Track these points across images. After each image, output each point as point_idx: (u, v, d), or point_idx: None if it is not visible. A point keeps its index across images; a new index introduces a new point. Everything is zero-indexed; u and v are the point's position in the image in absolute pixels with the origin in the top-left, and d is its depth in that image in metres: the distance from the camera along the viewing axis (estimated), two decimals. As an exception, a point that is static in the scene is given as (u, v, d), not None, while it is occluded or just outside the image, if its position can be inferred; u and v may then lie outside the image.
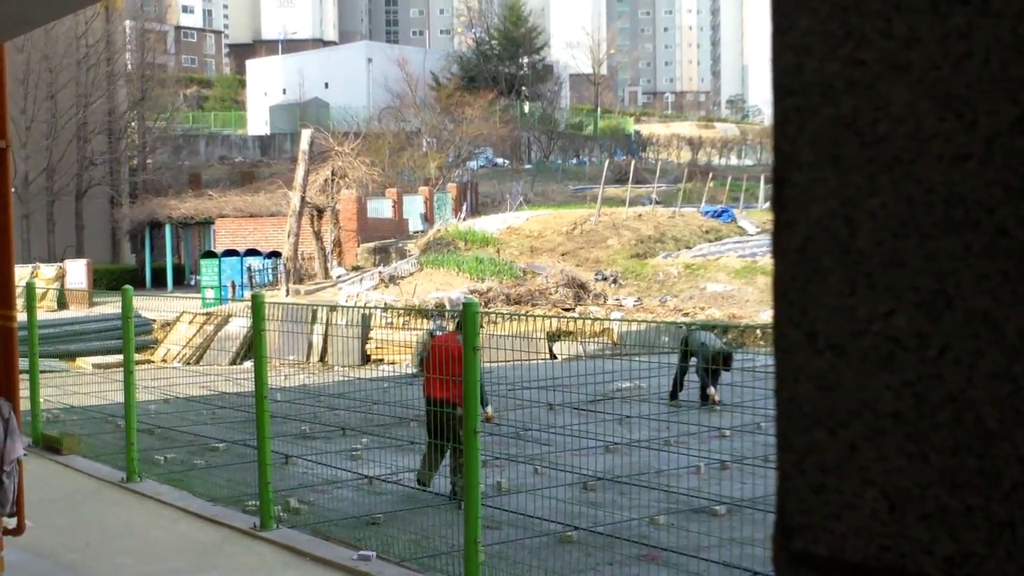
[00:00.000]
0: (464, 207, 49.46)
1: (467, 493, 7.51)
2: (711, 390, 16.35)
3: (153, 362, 25.24)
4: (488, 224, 41.72)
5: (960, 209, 0.78)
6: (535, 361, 21.02)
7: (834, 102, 0.83)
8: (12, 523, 6.08)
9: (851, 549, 0.82)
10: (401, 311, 25.39)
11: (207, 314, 27.52)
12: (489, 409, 12.58)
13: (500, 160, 74.83)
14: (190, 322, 26.80)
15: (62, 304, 35.57)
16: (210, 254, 37.21)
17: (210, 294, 33.62)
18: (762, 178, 63.24)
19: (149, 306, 26.75)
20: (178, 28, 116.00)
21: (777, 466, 0.87)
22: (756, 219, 49.86)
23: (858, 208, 0.82)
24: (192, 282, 43.86)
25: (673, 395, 16.73)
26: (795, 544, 0.85)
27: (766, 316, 28.65)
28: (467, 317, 7.50)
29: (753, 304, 30.81)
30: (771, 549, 0.87)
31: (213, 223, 44.09)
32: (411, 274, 33.19)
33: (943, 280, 0.79)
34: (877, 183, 0.82)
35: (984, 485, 0.77)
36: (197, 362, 25.42)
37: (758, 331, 25.29)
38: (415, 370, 21.26)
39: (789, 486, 0.86)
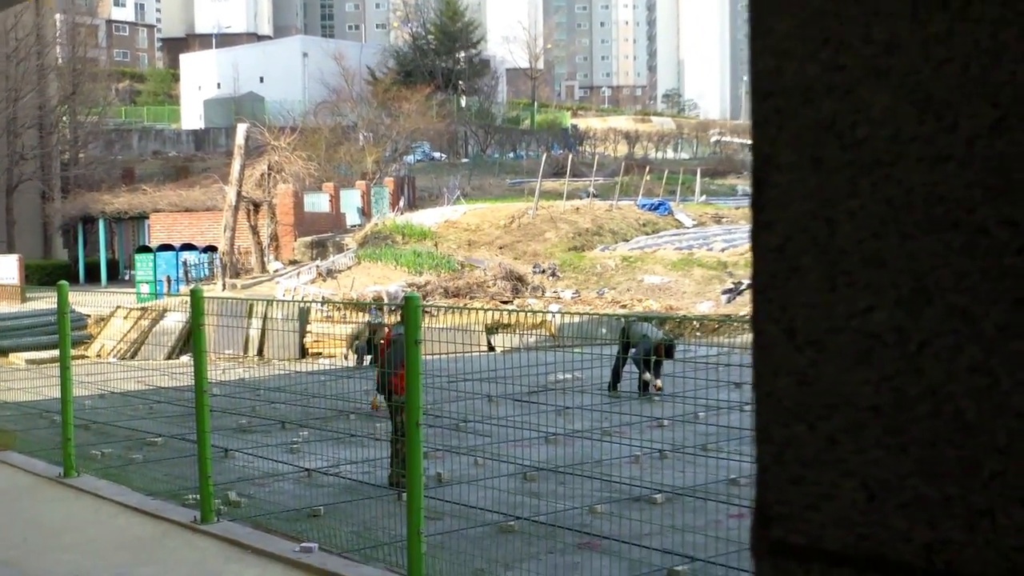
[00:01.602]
0: (401, 201, 49.34)
1: (409, 484, 7.53)
2: (656, 380, 16.49)
3: (88, 357, 24.94)
4: (426, 218, 41.66)
5: (940, 209, 0.81)
6: (474, 353, 21.08)
7: (814, 105, 0.85)
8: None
9: (830, 538, 0.84)
10: (339, 305, 25.30)
11: (142, 309, 27.24)
12: None
13: (437, 154, 74.70)
14: (125, 317, 26.52)
15: (-7, 300, 34.98)
16: (145, 249, 36.78)
17: (145, 289, 33.25)
18: (698, 171, 63.73)
19: (83, 301, 26.42)
20: (110, 22, 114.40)
21: (756, 458, 0.89)
22: (693, 212, 50.26)
23: (838, 209, 0.85)
24: (127, 277, 43.32)
25: (612, 386, 16.84)
26: (773, 533, 0.87)
27: (703, 307, 28.93)
28: (409, 311, 7.52)
29: (690, 296, 31.08)
30: (751, 539, 0.89)
31: (147, 218, 43.56)
32: (349, 268, 33.07)
33: (923, 278, 0.81)
34: (857, 184, 0.84)
35: (963, 475, 0.80)
36: (132, 357, 25.17)
37: (695, 322, 25.52)
38: (353, 363, 21.21)
39: (768, 478, 0.88)
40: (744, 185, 74.12)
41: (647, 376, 16.56)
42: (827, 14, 0.84)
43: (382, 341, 11.61)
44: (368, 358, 20.45)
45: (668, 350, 16.76)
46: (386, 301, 26.32)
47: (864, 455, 0.83)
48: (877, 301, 0.83)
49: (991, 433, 0.78)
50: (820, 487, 0.85)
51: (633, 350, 17.09)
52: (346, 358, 22.09)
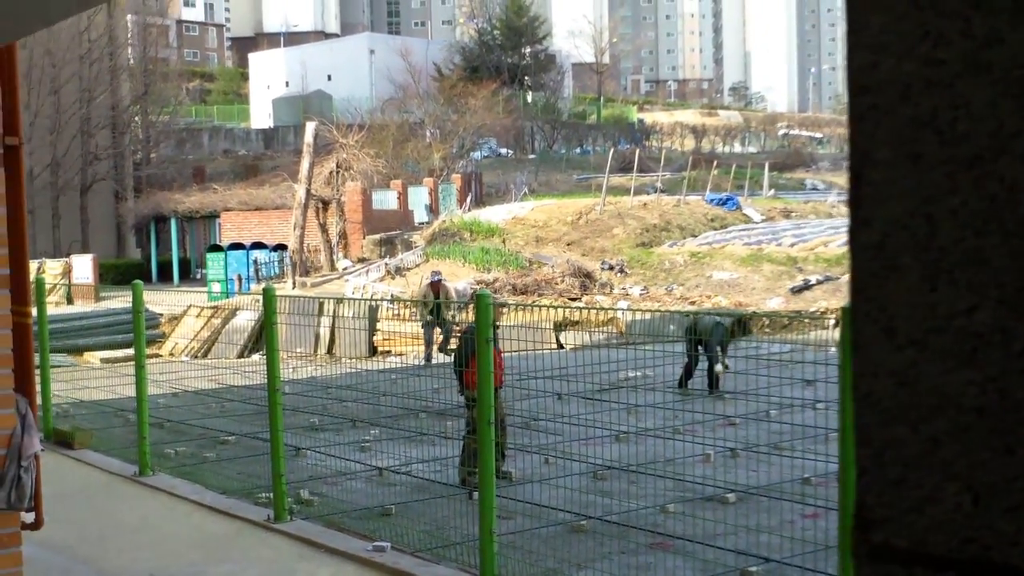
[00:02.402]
0: (469, 198, 49.44)
1: (481, 483, 7.54)
2: (719, 367, 16.37)
3: (161, 356, 25.30)
4: (493, 215, 41.70)
5: None
6: (543, 351, 21.06)
7: (912, 100, 0.84)
8: (30, 518, 6.11)
9: (933, 542, 0.83)
10: (408, 302, 25.42)
11: (214, 307, 27.57)
12: None
13: (504, 150, 74.77)
14: (197, 316, 26.85)
15: (69, 299, 35.62)
16: (216, 247, 37.22)
17: (216, 287, 33.64)
18: (766, 165, 63.16)
19: (156, 300, 26.79)
20: (180, 22, 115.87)
21: (856, 461, 0.87)
22: (761, 207, 49.81)
23: (938, 206, 0.83)
24: (198, 276, 43.91)
25: (683, 383, 16.74)
26: (875, 537, 0.86)
27: (772, 303, 28.66)
28: (480, 308, 7.52)
29: (759, 292, 30.81)
30: (851, 543, 0.87)
31: (218, 216, 44.11)
32: (417, 265, 33.20)
33: None
34: (957, 181, 0.82)
35: None
36: (205, 355, 25.49)
37: (765, 319, 25.28)
38: (426, 319, 21.61)
39: (868, 480, 0.86)
40: (813, 179, 73.34)
41: (718, 368, 16.44)
42: (924, 9, 0.83)
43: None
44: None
45: (744, 325, 16.71)
46: (455, 298, 26.39)
47: (969, 457, 0.82)
48: (980, 300, 0.81)
49: None
50: (923, 490, 0.84)
51: (704, 345, 16.94)
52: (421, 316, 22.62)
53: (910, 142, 0.84)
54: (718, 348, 16.45)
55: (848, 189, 0.89)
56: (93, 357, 24.94)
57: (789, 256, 33.81)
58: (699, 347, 16.97)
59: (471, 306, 10.06)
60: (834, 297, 28.50)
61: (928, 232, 0.84)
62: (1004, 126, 0.80)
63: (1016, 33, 0.80)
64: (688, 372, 16.76)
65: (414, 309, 26.12)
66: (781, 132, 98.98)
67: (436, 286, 22.81)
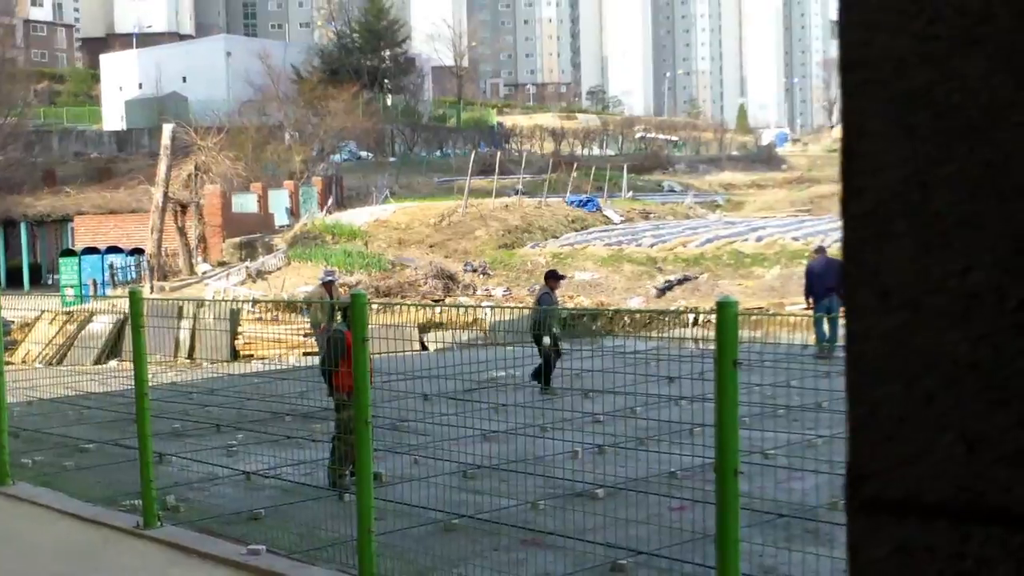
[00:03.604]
0: (330, 200, 49.05)
1: (359, 482, 7.53)
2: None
3: (13, 363, 24.48)
4: (355, 217, 41.47)
5: None
6: (408, 352, 21.06)
7: (906, 75, 0.87)
8: None
9: (927, 491, 0.86)
10: (270, 305, 25.12)
11: (68, 313, 26.81)
12: None
13: (364, 153, 74.29)
14: (51, 322, 26.10)
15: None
16: (69, 252, 36.20)
17: (71, 293, 32.72)
18: (624, 168, 64.09)
19: (7, 306, 25.93)
20: (27, 22, 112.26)
21: (847, 420, 0.90)
22: (620, 208, 50.57)
23: (932, 174, 0.87)
24: (50, 281, 42.60)
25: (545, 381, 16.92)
26: (867, 490, 0.89)
27: (633, 303, 29.14)
28: (356, 309, 7.52)
29: (620, 291, 31.29)
30: (845, 498, 0.91)
31: (71, 220, 42.89)
32: (279, 268, 32.85)
33: (1022, 238, 0.83)
34: (952, 150, 0.86)
35: None
36: (60, 362, 24.78)
37: (626, 317, 25.70)
38: (319, 328, 19.89)
39: (861, 437, 0.89)
40: (670, 181, 74.70)
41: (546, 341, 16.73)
42: None
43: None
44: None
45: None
46: (311, 300, 26.17)
47: (962, 409, 0.85)
48: (974, 262, 0.85)
49: None
50: (916, 443, 0.87)
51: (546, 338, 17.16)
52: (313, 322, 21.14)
53: (904, 115, 0.88)
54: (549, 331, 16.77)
55: (840, 161, 0.92)
56: (-59, 366, 23.99)
57: (649, 256, 34.43)
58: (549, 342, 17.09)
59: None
60: (693, 296, 29.12)
61: (922, 199, 0.87)
62: (997, 98, 0.84)
63: (1008, 8, 0.83)
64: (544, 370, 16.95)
65: (276, 312, 25.82)
66: (638, 135, 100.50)
67: (329, 288, 20.24)
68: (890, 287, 0.89)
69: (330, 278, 20.36)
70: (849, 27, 0.90)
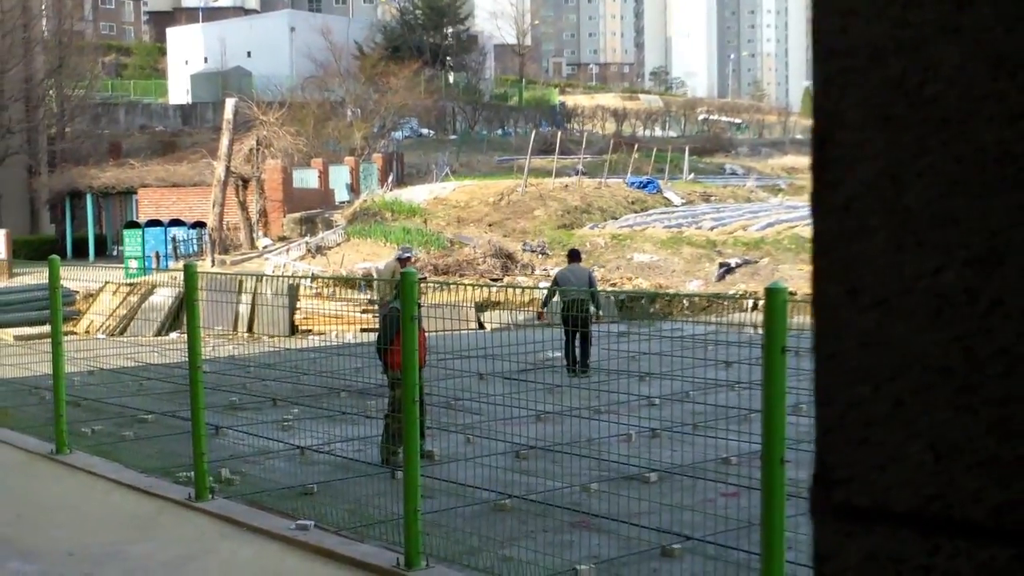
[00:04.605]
0: (390, 178, 49.21)
1: (406, 461, 7.54)
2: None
3: (76, 333, 24.86)
4: (414, 195, 41.56)
5: (1013, 168, 0.80)
6: (464, 331, 21.08)
7: (882, 63, 0.85)
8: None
9: (896, 499, 0.84)
10: (328, 281, 25.26)
11: (131, 285, 27.15)
12: None
13: (425, 131, 74.49)
14: (114, 293, 26.44)
15: (-19, 275, 34.80)
16: (133, 224, 36.61)
17: (133, 265, 33.12)
18: (686, 150, 63.69)
19: (72, 276, 26.30)
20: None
21: (817, 421, 0.88)
22: (681, 190, 50.26)
23: (907, 167, 0.84)
24: (114, 253, 43.14)
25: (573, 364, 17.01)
26: (836, 496, 0.86)
27: (692, 286, 28.97)
28: (405, 286, 7.51)
29: (679, 274, 31.11)
30: (811, 502, 0.89)
31: (135, 193, 43.36)
32: (338, 244, 33.01)
33: (994, 237, 0.81)
34: (926, 143, 0.83)
35: None
36: (121, 333, 25.11)
37: (684, 301, 25.55)
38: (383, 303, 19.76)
39: (830, 440, 0.87)
40: (731, 164, 74.13)
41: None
42: None
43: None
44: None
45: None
46: (376, 278, 26.25)
47: (932, 416, 0.83)
48: (947, 261, 0.82)
49: None
50: (885, 449, 0.84)
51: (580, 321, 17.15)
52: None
53: (880, 105, 0.85)
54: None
55: (812, 152, 0.89)
56: (6, 334, 24.44)
57: (709, 239, 34.18)
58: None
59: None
60: (752, 280, 28.88)
61: (896, 193, 0.84)
62: (974, 88, 0.81)
63: None
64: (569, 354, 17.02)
65: (334, 288, 25.96)
66: (701, 117, 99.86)
67: (404, 264, 18.73)
68: (861, 285, 0.86)
69: (407, 255, 20.10)
70: (824, 13, 0.87)
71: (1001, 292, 0.81)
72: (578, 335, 16.86)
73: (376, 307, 21.30)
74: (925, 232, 0.83)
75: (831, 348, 0.87)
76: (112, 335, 24.79)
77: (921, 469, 0.83)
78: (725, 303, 22.53)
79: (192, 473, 9.43)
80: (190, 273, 9.75)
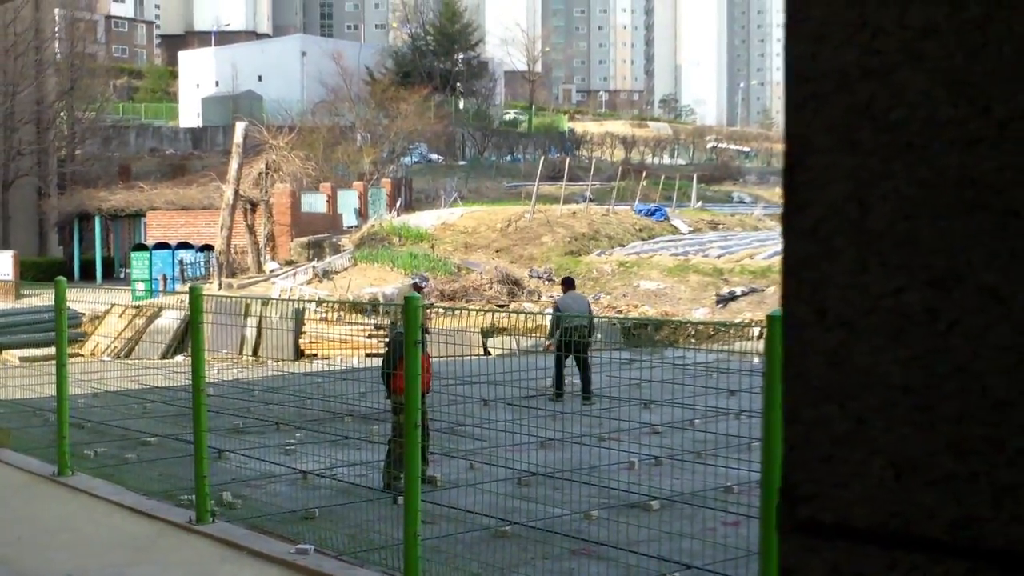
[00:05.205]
0: (398, 203, 49.33)
1: (406, 486, 7.53)
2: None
3: (82, 355, 24.90)
4: (422, 220, 41.65)
5: (971, 191, 0.82)
6: (469, 357, 21.07)
7: (850, 89, 0.87)
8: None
9: (858, 516, 0.86)
10: (335, 305, 25.27)
11: (138, 307, 27.20)
12: None
13: (434, 156, 74.70)
14: (120, 315, 26.49)
15: (-12, 296, 34.90)
16: (141, 247, 36.74)
17: (141, 287, 33.20)
18: (694, 177, 63.75)
19: (78, 298, 26.37)
20: (108, 18, 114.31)
21: (784, 439, 0.89)
22: (689, 218, 50.27)
23: (872, 191, 0.86)
24: (122, 275, 43.27)
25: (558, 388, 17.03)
26: (801, 512, 0.88)
27: (698, 314, 28.95)
28: (408, 311, 7.52)
29: (685, 302, 31.10)
30: (777, 518, 0.89)
31: (144, 216, 43.54)
32: (345, 269, 33.06)
33: (954, 259, 0.82)
34: (891, 167, 0.85)
35: (990, 451, 0.81)
36: (127, 356, 25.14)
37: (690, 328, 25.53)
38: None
39: (796, 457, 0.89)
40: (740, 192, 74.18)
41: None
42: (863, 0, 0.86)
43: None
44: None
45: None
46: (383, 303, 26.27)
47: (893, 433, 0.84)
48: (908, 282, 0.84)
49: (1018, 410, 0.80)
50: (849, 466, 0.86)
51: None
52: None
53: (847, 129, 0.87)
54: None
55: (783, 176, 0.91)
56: (11, 355, 24.48)
57: (715, 267, 34.18)
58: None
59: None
60: (759, 309, 28.86)
61: (861, 215, 0.86)
62: (936, 114, 0.83)
63: (951, 23, 0.83)
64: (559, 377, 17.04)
65: (341, 313, 25.97)
66: (710, 145, 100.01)
67: (418, 291, 19.27)
68: (828, 305, 0.87)
69: (423, 283, 20.17)
70: (796, 40, 0.89)
71: (959, 312, 0.82)
72: (579, 362, 16.88)
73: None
74: (888, 253, 0.85)
75: (798, 367, 0.88)
76: (118, 357, 24.82)
77: (882, 486, 0.85)
78: (730, 331, 22.50)
79: (194, 496, 9.43)
80: (195, 296, 9.79)
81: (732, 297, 30.18)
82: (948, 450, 0.82)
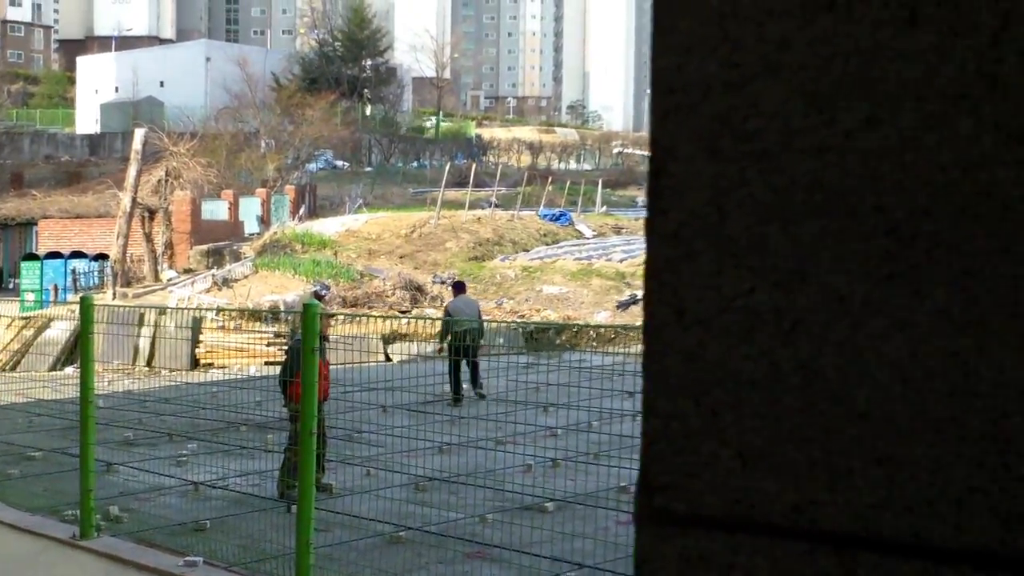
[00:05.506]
0: (302, 209, 48.88)
1: (300, 495, 7.43)
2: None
3: (-32, 368, 24.22)
4: (326, 227, 41.33)
5: (819, 196, 0.87)
6: (371, 363, 20.91)
7: (711, 100, 0.90)
8: None
9: (707, 504, 0.90)
10: (233, 314, 24.93)
11: (26, 318, 26.53)
12: None
13: (340, 163, 74.18)
14: (8, 326, 25.82)
15: None
16: (31, 256, 35.83)
17: (30, 298, 32.33)
18: (600, 183, 64.17)
19: (-35, 309, 25.70)
20: (4, 22, 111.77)
21: (643, 432, 0.93)
22: (593, 223, 50.59)
23: (729, 197, 0.90)
24: (11, 286, 42.16)
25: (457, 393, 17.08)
26: (656, 502, 0.91)
27: (600, 317, 29.10)
28: (307, 318, 7.42)
29: (588, 306, 31.25)
30: (635, 509, 0.94)
31: (36, 224, 42.52)
32: (245, 277, 32.63)
33: (802, 260, 0.87)
34: (747, 174, 0.89)
35: (827, 440, 0.86)
36: (14, 368, 24.52)
37: (592, 332, 25.63)
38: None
39: (653, 450, 0.92)
40: (643, 196, 74.87)
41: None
42: (725, 14, 0.89)
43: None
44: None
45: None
46: (283, 311, 25.97)
47: (741, 424, 0.89)
48: (759, 283, 0.88)
49: (853, 401, 0.85)
50: (701, 456, 0.90)
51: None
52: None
53: (708, 138, 0.91)
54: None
55: (648, 182, 0.94)
56: None
57: (618, 271, 34.41)
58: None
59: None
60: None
61: (719, 220, 0.90)
62: (789, 124, 0.88)
63: (804, 36, 0.87)
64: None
65: (239, 321, 25.60)
66: (616, 150, 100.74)
67: (319, 300, 19.27)
68: (687, 305, 0.91)
69: (323, 291, 20.32)
70: (663, 52, 0.93)
71: (803, 311, 0.87)
72: (469, 363, 17.04)
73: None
74: (742, 256, 0.89)
75: (658, 365, 0.92)
76: (4, 370, 24.18)
77: (730, 475, 0.89)
78: (630, 334, 22.63)
79: (78, 511, 9.18)
80: (86, 306, 9.57)
81: (634, 301, 30.38)
82: (790, 439, 0.87)
